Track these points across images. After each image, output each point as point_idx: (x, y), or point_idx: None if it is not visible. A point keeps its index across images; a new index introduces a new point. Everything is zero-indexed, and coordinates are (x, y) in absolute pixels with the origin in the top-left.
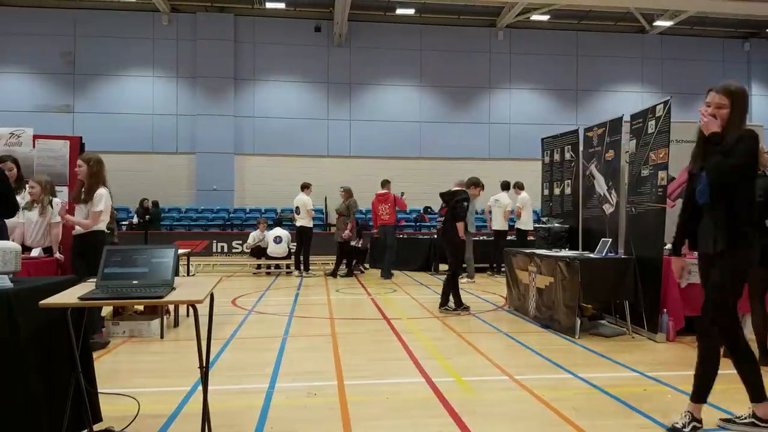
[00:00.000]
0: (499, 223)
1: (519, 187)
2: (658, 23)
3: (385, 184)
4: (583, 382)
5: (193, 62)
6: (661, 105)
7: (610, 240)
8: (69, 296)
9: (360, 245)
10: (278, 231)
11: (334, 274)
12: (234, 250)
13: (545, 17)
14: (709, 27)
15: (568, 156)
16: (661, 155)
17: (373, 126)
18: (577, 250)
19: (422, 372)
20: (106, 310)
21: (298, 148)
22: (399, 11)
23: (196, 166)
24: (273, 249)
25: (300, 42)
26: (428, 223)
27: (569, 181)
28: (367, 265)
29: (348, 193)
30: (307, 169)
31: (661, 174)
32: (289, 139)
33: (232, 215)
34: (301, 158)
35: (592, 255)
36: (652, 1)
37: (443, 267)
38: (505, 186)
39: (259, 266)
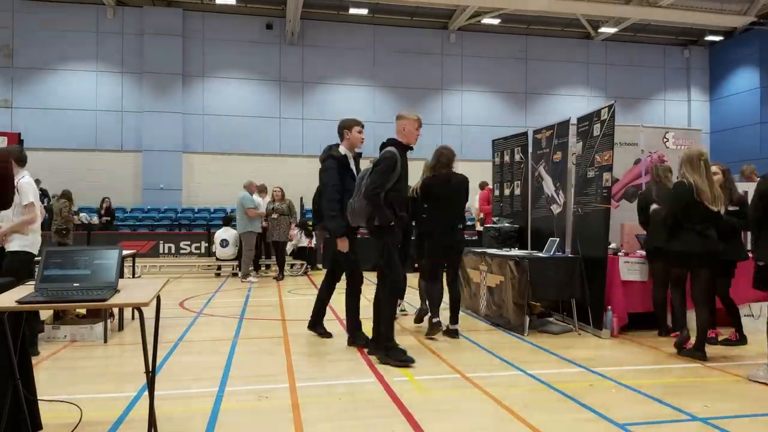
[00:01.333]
0: None
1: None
2: (602, 30)
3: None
4: (532, 378)
5: (139, 57)
6: (606, 109)
7: (558, 239)
8: (6, 299)
9: (313, 245)
10: (225, 233)
11: (280, 276)
12: (182, 251)
13: (496, 21)
14: (651, 34)
15: (517, 157)
16: (605, 157)
17: (327, 125)
18: (527, 249)
19: (375, 372)
20: (46, 314)
21: (248, 147)
22: (352, 11)
23: (142, 164)
24: (220, 252)
25: (251, 39)
26: None
27: (519, 182)
28: (320, 266)
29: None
30: (259, 169)
31: (606, 175)
32: (239, 137)
33: (179, 215)
34: (252, 157)
35: (540, 254)
36: (596, 8)
37: None
38: None
39: (219, 267)
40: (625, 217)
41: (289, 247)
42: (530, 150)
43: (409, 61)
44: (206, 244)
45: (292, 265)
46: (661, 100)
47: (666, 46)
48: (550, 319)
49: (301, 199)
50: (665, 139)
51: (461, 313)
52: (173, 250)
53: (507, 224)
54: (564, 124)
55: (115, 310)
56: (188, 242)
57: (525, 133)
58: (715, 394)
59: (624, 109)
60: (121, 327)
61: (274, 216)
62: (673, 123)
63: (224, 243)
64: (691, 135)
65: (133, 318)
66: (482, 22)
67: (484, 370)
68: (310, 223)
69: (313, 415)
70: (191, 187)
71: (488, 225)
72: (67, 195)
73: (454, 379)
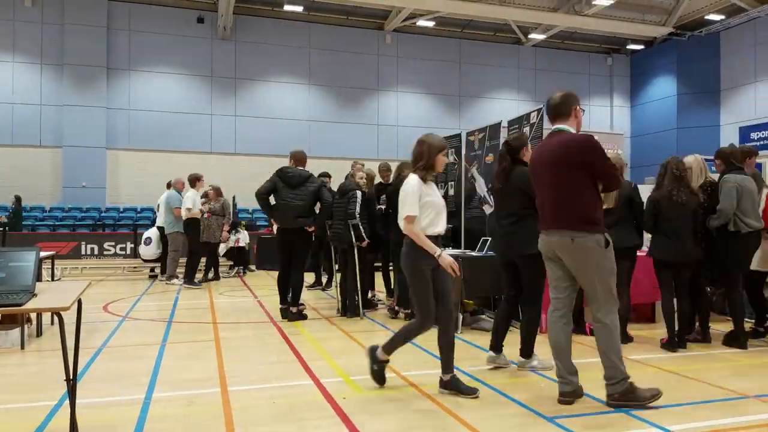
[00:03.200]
0: None
1: None
2: (532, 36)
3: None
4: (465, 375)
5: (60, 48)
6: (535, 112)
7: (490, 239)
8: None
9: (246, 246)
10: (150, 232)
11: (216, 277)
12: (106, 252)
13: (431, 23)
14: (577, 42)
15: (451, 159)
16: None
17: (260, 123)
18: (461, 248)
19: (310, 373)
20: None
21: (178, 144)
22: (287, 8)
23: (62, 160)
24: (143, 251)
25: (181, 32)
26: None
27: (453, 182)
28: (253, 267)
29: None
30: (189, 167)
31: None
32: (168, 134)
33: (103, 215)
34: (182, 154)
35: (473, 253)
36: (527, 15)
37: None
38: None
39: (153, 269)
40: None
41: (222, 248)
42: (464, 151)
43: (345, 61)
44: (132, 245)
45: (230, 267)
46: (585, 105)
47: (591, 54)
48: (483, 316)
49: (234, 198)
50: None
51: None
52: (96, 252)
53: None
54: (495, 127)
55: (33, 315)
56: (112, 243)
57: (458, 135)
58: (643, 385)
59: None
60: (39, 332)
61: (206, 216)
62: (596, 127)
63: (148, 241)
64: (614, 139)
65: (52, 323)
66: (417, 24)
67: (419, 368)
68: (243, 222)
69: (245, 420)
70: (116, 185)
71: None
72: None
73: (389, 378)
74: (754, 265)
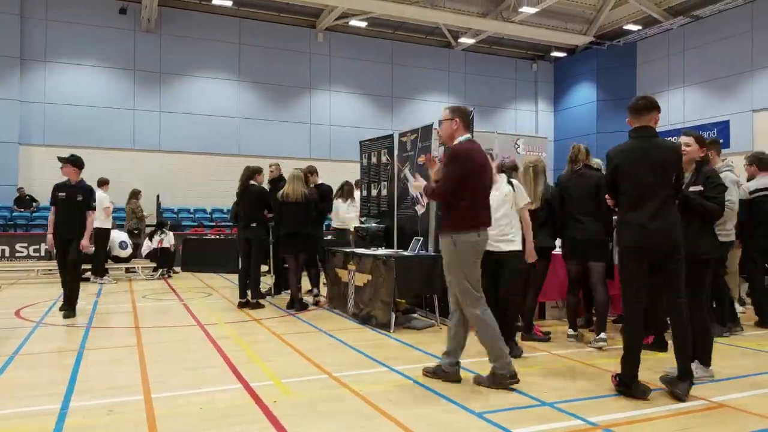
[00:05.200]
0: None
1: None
2: (462, 40)
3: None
4: (397, 374)
5: None
6: None
7: (422, 239)
8: None
9: (171, 247)
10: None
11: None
12: (18, 254)
13: (363, 24)
14: (505, 47)
15: (384, 159)
16: None
17: (187, 119)
18: (393, 248)
19: (239, 378)
20: None
21: (98, 140)
22: (215, 1)
23: None
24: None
25: (102, 23)
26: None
27: (385, 183)
28: (177, 269)
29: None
30: (110, 163)
31: None
32: (87, 129)
33: (15, 214)
34: (103, 151)
35: (405, 253)
36: (457, 19)
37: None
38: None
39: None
40: None
41: (144, 249)
42: (396, 152)
43: (277, 58)
44: (47, 247)
45: (154, 269)
46: (512, 109)
47: (517, 60)
48: (414, 315)
49: (158, 197)
50: (516, 145)
51: (330, 313)
52: (8, 253)
53: (374, 224)
54: (427, 129)
55: None
56: (25, 244)
57: (391, 136)
58: (565, 380)
59: (481, 116)
60: None
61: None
62: (522, 130)
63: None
64: (538, 142)
65: None
66: (350, 24)
67: (351, 368)
68: (169, 222)
69: (171, 428)
70: (30, 183)
71: (356, 225)
72: None
73: (321, 380)
74: None
